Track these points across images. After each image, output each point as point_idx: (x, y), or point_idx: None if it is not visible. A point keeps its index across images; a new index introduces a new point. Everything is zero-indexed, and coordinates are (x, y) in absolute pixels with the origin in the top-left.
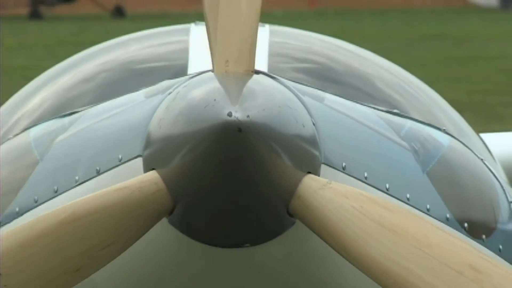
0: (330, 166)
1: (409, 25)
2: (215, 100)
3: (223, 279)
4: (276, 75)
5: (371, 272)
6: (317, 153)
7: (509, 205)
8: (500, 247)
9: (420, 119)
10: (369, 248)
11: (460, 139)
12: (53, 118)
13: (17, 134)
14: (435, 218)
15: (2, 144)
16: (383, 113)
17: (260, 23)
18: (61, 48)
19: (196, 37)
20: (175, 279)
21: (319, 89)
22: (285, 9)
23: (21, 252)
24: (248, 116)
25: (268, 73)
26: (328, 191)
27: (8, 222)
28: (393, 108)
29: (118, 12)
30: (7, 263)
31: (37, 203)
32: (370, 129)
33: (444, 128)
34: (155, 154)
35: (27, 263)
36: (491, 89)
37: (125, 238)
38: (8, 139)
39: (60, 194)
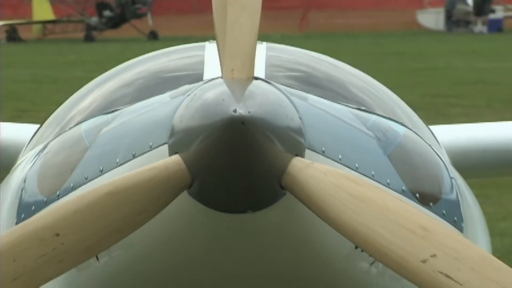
0: (313, 150)
1: (377, 44)
2: (223, 100)
3: (230, 238)
4: (271, 81)
5: (345, 232)
6: (302, 140)
7: (451, 180)
8: (444, 212)
9: (382, 114)
10: (343, 214)
11: (414, 130)
12: (100, 115)
13: (72, 127)
14: (393, 190)
15: (60, 135)
16: (354, 109)
17: (259, 41)
18: (108, 63)
19: (209, 52)
20: (193, 238)
21: (304, 92)
22: (280, 32)
23: (74, 218)
24: (249, 112)
25: (265, 79)
26: (311, 170)
27: (65, 195)
28: (362, 106)
29: (153, 36)
30: (64, 226)
31: (87, 180)
32: (343, 122)
33: (401, 121)
34: (178, 141)
35: (79, 227)
36: (439, 93)
37: (155, 207)
38: (65, 131)
39: (104, 173)
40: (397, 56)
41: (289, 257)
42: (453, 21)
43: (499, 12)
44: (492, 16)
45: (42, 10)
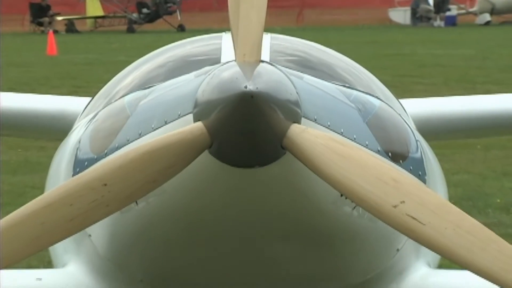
0: (307, 118)
1: (357, 35)
2: (236, 78)
3: (241, 188)
4: (274, 63)
5: (332, 183)
6: (299, 110)
7: (416, 142)
8: (411, 167)
9: (362, 90)
10: (330, 168)
11: (387, 102)
12: (139, 90)
13: (117, 100)
14: (371, 150)
15: (108, 106)
16: (339, 86)
17: (265, 32)
18: (145, 50)
19: (225, 41)
20: (212, 188)
21: (301, 72)
22: (281, 26)
23: (119, 171)
24: (257, 88)
25: (269, 62)
26: (306, 134)
27: (111, 153)
28: (346, 84)
29: (181, 28)
30: (110, 178)
31: (128, 142)
32: (331, 96)
33: (376, 95)
34: (200, 111)
35: (123, 178)
36: (405, 74)
37: (182, 162)
38: (111, 103)
39: (142, 136)
40: (373, 45)
41: (289, 203)
42: (417, 17)
43: (453, 10)
44: (448, 13)
45: (94, 8)
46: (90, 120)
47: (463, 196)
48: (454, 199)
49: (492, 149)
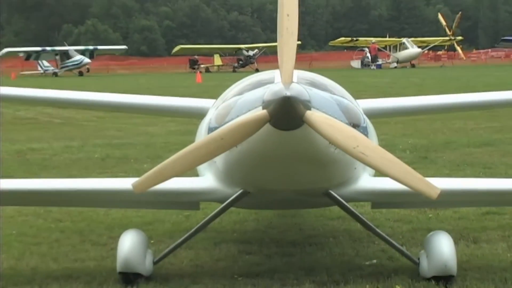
0: (314, 108)
1: (336, 73)
2: (281, 90)
3: (284, 139)
4: (298, 83)
5: (326, 137)
6: (310, 104)
7: (364, 119)
8: (361, 130)
9: (339, 95)
10: (325, 130)
11: (351, 101)
12: (237, 95)
13: (227, 100)
14: (343, 122)
15: (223, 103)
16: (330, 94)
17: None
18: (240, 79)
19: (276, 73)
20: (270, 141)
21: (310, 87)
22: (300, 68)
23: (228, 132)
24: (290, 94)
25: (296, 82)
26: (313, 115)
27: (224, 125)
28: (332, 93)
29: (257, 70)
30: (223, 135)
31: (232, 119)
32: (326, 99)
33: (346, 98)
34: (265, 105)
35: (229, 135)
36: (359, 90)
37: (256, 128)
38: (224, 101)
39: (239, 116)
40: (344, 77)
41: (306, 146)
42: (364, 64)
43: (380, 61)
44: (377, 63)
45: (218, 61)
46: (216, 109)
47: (387, 144)
48: (383, 142)
49: (399, 123)
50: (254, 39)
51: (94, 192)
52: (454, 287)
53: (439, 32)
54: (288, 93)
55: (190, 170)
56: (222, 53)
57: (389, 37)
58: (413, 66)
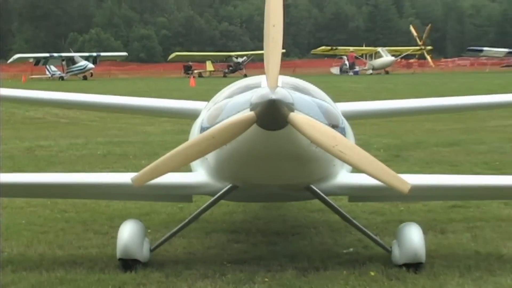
0: (297, 110)
1: (317, 79)
2: (267, 93)
3: (270, 139)
4: (283, 87)
5: (307, 137)
6: (293, 107)
7: (342, 121)
8: (340, 131)
9: (320, 99)
10: (307, 131)
11: (330, 104)
12: (227, 98)
13: (218, 102)
14: (325, 124)
15: (214, 105)
16: (311, 97)
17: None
18: (229, 84)
19: (263, 78)
20: (256, 140)
21: (294, 91)
22: (284, 74)
23: (218, 132)
24: (275, 97)
25: (281, 86)
26: (296, 116)
27: (215, 124)
28: (313, 96)
29: (245, 76)
30: (214, 133)
31: (222, 120)
32: (308, 101)
33: (326, 101)
34: (252, 107)
35: (219, 134)
36: (338, 94)
37: (244, 128)
38: (216, 103)
39: (228, 118)
40: (325, 82)
41: (291, 145)
42: (342, 71)
43: (357, 68)
44: (355, 69)
45: (210, 66)
46: (208, 110)
47: (363, 143)
48: (360, 142)
49: (374, 124)
50: (243, 47)
51: (96, 186)
52: (423, 273)
53: (411, 42)
54: (274, 97)
55: (184, 166)
56: (214, 60)
57: (365, 46)
58: (387, 73)
